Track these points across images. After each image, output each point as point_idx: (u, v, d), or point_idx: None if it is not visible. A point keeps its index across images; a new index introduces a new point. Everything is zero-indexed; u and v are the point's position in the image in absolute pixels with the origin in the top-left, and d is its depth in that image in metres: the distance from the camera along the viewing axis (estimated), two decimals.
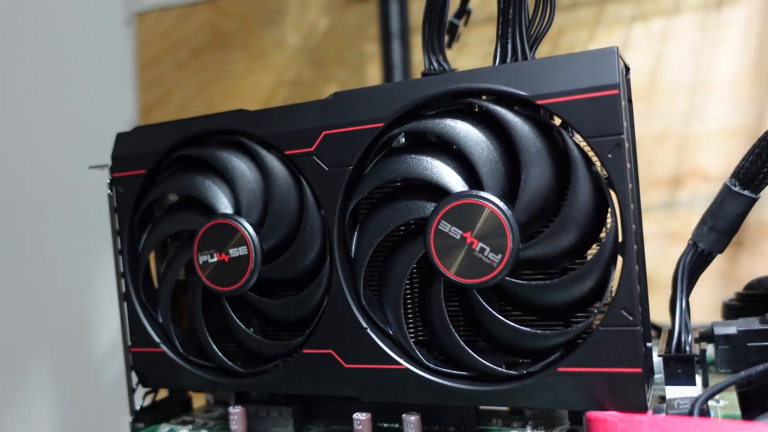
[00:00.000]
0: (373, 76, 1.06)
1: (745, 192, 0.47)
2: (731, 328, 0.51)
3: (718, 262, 0.84)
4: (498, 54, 0.47)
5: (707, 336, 0.53)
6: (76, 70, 1.07)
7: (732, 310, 0.57)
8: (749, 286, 0.59)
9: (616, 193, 0.40)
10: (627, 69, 0.46)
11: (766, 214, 0.84)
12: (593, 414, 0.37)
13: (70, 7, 1.07)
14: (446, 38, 0.63)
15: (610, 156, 0.40)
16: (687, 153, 0.89)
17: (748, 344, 0.50)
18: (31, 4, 1.00)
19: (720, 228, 0.48)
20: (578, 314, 0.44)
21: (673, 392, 0.46)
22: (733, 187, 0.48)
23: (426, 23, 0.54)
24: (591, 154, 0.41)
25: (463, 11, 0.62)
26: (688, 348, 0.47)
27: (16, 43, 0.97)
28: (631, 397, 0.40)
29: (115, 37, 1.20)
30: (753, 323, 0.51)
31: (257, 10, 1.16)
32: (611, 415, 0.36)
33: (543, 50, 0.93)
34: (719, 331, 0.51)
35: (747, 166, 0.47)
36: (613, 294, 0.41)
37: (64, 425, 0.95)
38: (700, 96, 0.87)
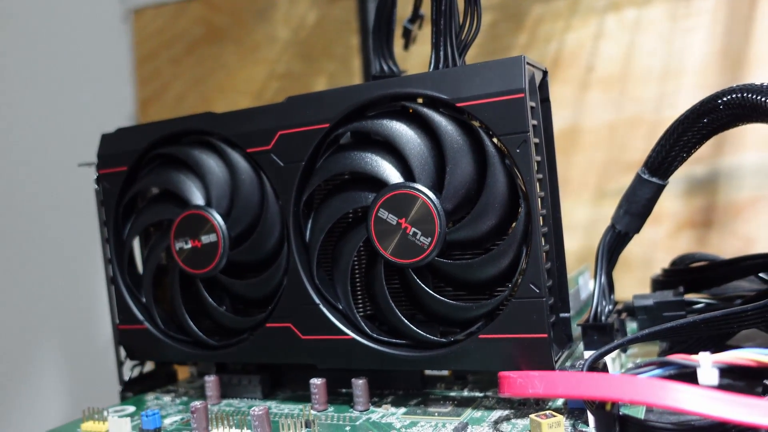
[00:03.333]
0: (359, 67, 1.11)
1: (654, 179, 0.53)
2: (648, 300, 0.57)
3: (687, 243, 0.89)
4: (432, 61, 0.53)
5: (630, 308, 0.59)
6: (76, 67, 1.12)
7: (658, 285, 0.63)
8: (673, 263, 0.65)
9: (524, 182, 0.46)
10: (544, 72, 0.51)
11: (733, 195, 0.89)
12: (502, 373, 0.44)
13: (68, 4, 1.13)
14: (403, 41, 0.69)
15: (518, 151, 0.46)
16: (659, 137, 0.94)
17: (664, 314, 0.56)
18: (30, 2, 1.06)
19: (633, 211, 0.54)
20: (499, 288, 0.50)
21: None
22: (643, 175, 0.54)
23: (376, 31, 0.60)
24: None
25: (416, 16, 0.67)
26: (604, 318, 0.54)
27: (15, 41, 1.03)
28: (540, 359, 0.46)
29: (112, 33, 1.25)
30: (668, 295, 0.57)
31: (248, 5, 1.21)
32: (513, 373, 0.42)
33: (521, 40, 0.99)
34: (638, 303, 0.57)
35: (654, 156, 0.53)
36: (523, 270, 0.47)
37: (71, 401, 1.02)
38: (671, 83, 0.92)
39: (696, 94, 0.89)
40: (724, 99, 0.48)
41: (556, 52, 0.97)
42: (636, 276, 0.90)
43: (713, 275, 0.60)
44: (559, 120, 0.94)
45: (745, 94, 0.47)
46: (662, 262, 0.76)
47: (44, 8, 1.08)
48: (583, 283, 0.70)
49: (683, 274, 0.62)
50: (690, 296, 0.58)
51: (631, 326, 0.61)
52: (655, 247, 0.92)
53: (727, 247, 0.89)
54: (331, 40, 1.14)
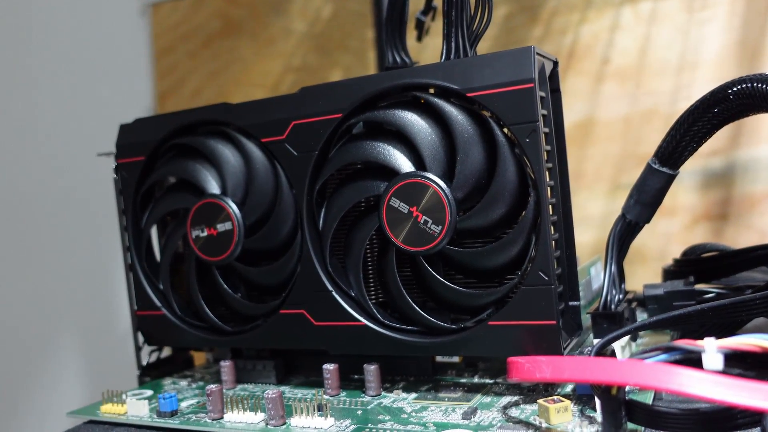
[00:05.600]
0: (374, 60, 1.12)
1: (664, 169, 0.53)
2: (659, 290, 0.58)
3: (703, 236, 0.89)
4: (444, 51, 0.53)
5: (641, 299, 0.60)
6: (96, 61, 1.14)
7: (669, 275, 0.64)
8: (684, 253, 0.66)
9: (533, 171, 0.47)
10: (555, 63, 0.52)
11: (749, 188, 0.88)
12: (511, 358, 0.44)
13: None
14: (416, 33, 0.70)
15: (527, 140, 0.46)
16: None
17: (674, 303, 0.57)
18: None
19: (644, 201, 0.55)
20: (509, 276, 0.51)
21: None
22: (653, 165, 0.54)
23: (388, 23, 0.60)
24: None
25: (429, 8, 0.68)
26: (614, 306, 0.54)
27: (36, 36, 1.05)
28: (548, 345, 0.47)
29: (131, 27, 1.26)
30: (678, 285, 0.58)
31: None
32: (522, 358, 0.43)
33: (536, 32, 0.99)
34: (649, 292, 0.58)
35: (664, 146, 0.53)
36: (533, 258, 0.48)
37: (90, 384, 1.04)
38: (686, 75, 0.91)
39: (712, 86, 0.88)
40: (735, 89, 0.48)
41: (572, 45, 0.97)
42: (651, 268, 0.90)
43: (724, 265, 0.61)
44: (574, 112, 0.94)
45: (755, 84, 0.47)
46: (677, 254, 0.76)
47: (64, 3, 1.10)
48: (595, 274, 0.71)
49: (694, 264, 0.62)
50: (700, 286, 0.59)
51: (642, 316, 0.62)
52: (671, 240, 0.92)
53: (743, 239, 0.88)
54: (346, 33, 1.15)
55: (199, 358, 0.71)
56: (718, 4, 0.89)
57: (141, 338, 0.65)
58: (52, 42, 1.07)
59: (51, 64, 1.07)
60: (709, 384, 0.34)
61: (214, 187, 0.59)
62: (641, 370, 0.35)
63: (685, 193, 0.90)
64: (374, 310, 0.53)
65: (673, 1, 0.91)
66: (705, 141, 0.53)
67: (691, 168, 0.85)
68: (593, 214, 0.95)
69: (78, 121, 1.08)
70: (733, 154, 0.89)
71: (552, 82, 0.51)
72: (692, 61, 0.90)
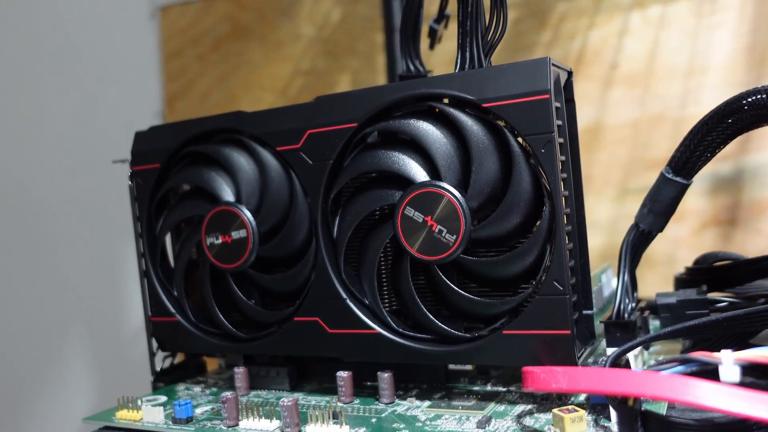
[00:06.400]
0: (383, 65, 1.12)
1: (677, 178, 0.54)
2: (671, 299, 0.58)
3: (711, 241, 0.89)
4: (458, 61, 0.54)
5: (653, 306, 0.60)
6: (105, 64, 1.15)
7: (681, 283, 0.64)
8: (696, 261, 0.66)
9: (548, 182, 0.47)
10: (569, 73, 0.52)
11: (758, 193, 0.88)
12: (526, 368, 0.45)
13: (97, 2, 1.15)
14: (428, 41, 0.70)
15: (543, 151, 0.47)
16: (682, 135, 0.94)
17: (687, 312, 0.57)
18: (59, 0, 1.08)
19: (657, 210, 0.55)
20: (523, 285, 0.51)
21: None
22: (667, 174, 0.54)
23: (403, 32, 0.61)
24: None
25: (442, 16, 0.68)
26: (627, 315, 0.54)
27: (47, 39, 1.06)
28: (562, 355, 0.47)
29: (141, 30, 1.27)
30: (691, 294, 0.58)
31: (273, 3, 1.22)
32: (537, 368, 0.43)
33: (544, 37, 0.99)
34: (661, 301, 0.58)
35: (678, 156, 0.53)
36: (547, 268, 0.48)
37: (102, 391, 1.05)
38: (695, 80, 0.92)
39: (721, 91, 0.89)
40: (749, 99, 0.48)
41: (580, 50, 0.98)
42: (660, 273, 0.90)
43: (736, 274, 0.61)
44: (583, 117, 0.94)
45: None
46: (686, 259, 0.76)
47: (74, 6, 1.10)
48: (606, 281, 0.71)
49: (706, 272, 0.62)
50: (713, 295, 0.59)
51: (654, 324, 0.62)
52: (679, 245, 0.92)
53: (752, 245, 0.88)
54: (355, 37, 1.15)
55: (212, 363, 0.71)
56: (728, 8, 0.89)
57: (155, 344, 0.65)
58: (62, 45, 1.08)
59: (60, 67, 1.07)
60: (726, 396, 0.34)
61: (228, 194, 0.59)
62: (658, 382, 0.36)
63: (693, 198, 0.90)
64: (388, 318, 0.54)
65: (682, 5, 0.91)
66: (719, 151, 0.53)
67: (700, 173, 0.85)
68: (601, 218, 0.95)
69: (87, 123, 1.09)
70: (742, 159, 0.89)
71: (566, 91, 0.51)
72: (701, 65, 0.91)
